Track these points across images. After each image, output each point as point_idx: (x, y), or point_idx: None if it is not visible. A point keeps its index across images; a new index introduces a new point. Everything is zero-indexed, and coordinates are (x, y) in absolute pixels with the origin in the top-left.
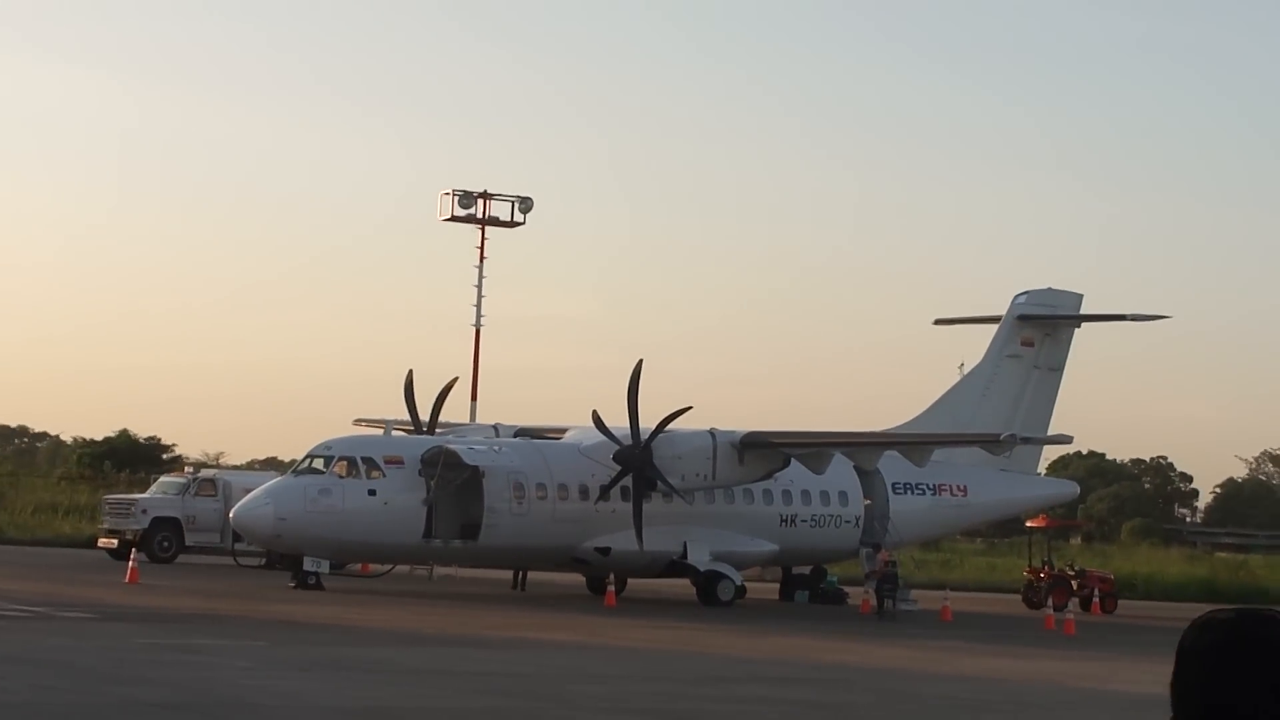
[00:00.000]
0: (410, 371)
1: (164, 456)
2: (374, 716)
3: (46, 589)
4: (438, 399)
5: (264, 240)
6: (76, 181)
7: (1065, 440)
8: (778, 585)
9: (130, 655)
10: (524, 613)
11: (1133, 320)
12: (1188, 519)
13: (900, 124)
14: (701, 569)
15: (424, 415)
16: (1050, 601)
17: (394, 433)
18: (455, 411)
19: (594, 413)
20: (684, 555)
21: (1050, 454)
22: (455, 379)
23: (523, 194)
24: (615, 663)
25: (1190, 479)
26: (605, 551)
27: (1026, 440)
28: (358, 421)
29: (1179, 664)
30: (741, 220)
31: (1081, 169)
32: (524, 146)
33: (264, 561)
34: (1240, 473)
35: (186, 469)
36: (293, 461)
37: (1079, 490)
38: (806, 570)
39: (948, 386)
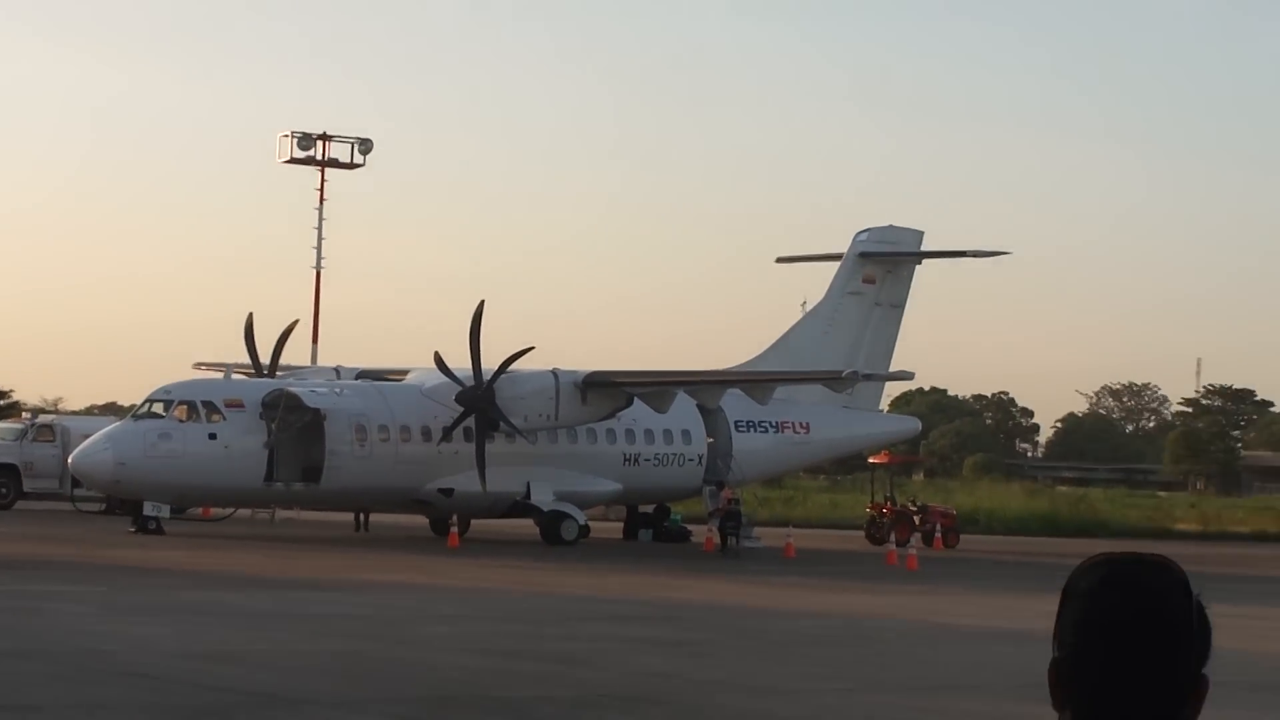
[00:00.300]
0: (250, 314)
1: (1, 403)
2: (218, 661)
3: None
4: (278, 342)
5: (101, 184)
6: None
7: (907, 377)
8: (622, 524)
9: None
10: (367, 555)
11: (973, 256)
12: (1029, 454)
13: (742, 65)
14: (545, 509)
15: (264, 358)
16: (893, 537)
17: (234, 376)
18: (296, 354)
19: (436, 354)
20: (527, 495)
21: (892, 390)
22: (296, 321)
23: (362, 135)
24: (460, 603)
25: (1031, 414)
26: (448, 493)
27: (868, 377)
28: (197, 365)
29: (1062, 602)
30: (583, 161)
31: (923, 106)
32: (363, 88)
33: (104, 507)
34: (1080, 407)
35: (24, 415)
36: (132, 406)
37: (921, 426)
38: (650, 509)
39: (790, 324)
